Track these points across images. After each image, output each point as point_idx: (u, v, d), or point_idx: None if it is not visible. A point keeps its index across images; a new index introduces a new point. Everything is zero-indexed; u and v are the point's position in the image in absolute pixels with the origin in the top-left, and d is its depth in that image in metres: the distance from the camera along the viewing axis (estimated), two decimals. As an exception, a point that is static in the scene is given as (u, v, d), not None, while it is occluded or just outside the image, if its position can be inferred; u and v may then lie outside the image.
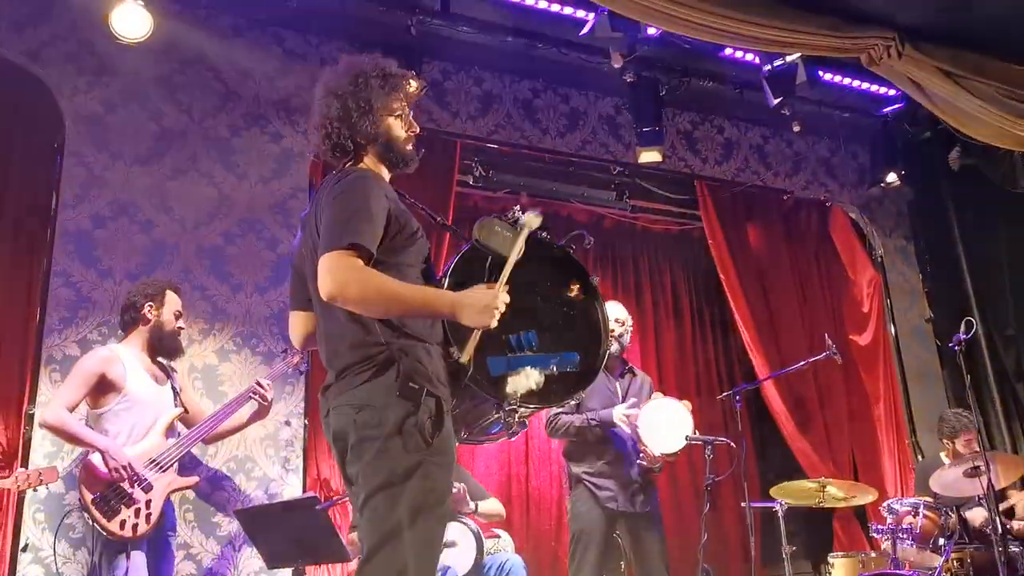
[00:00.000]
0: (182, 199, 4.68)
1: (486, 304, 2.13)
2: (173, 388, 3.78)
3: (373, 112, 2.36)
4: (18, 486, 3.52)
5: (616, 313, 4.27)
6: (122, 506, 3.41)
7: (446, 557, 4.08)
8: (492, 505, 4.55)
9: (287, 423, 4.57)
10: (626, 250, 6.43)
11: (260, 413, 3.91)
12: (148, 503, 3.44)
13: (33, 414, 4.12)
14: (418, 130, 2.48)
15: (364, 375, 2.15)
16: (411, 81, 2.47)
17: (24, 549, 3.95)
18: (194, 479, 3.73)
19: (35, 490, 3.76)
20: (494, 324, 2.13)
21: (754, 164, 6.42)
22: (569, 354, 2.37)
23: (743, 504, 4.53)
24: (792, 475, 5.13)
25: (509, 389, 2.24)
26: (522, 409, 2.31)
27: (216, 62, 4.89)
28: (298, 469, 4.55)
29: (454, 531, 4.17)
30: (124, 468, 3.42)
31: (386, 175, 2.42)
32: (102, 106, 4.63)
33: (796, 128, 5.83)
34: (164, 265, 4.52)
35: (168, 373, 3.82)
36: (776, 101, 5.26)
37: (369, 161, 2.40)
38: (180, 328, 3.82)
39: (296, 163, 5.00)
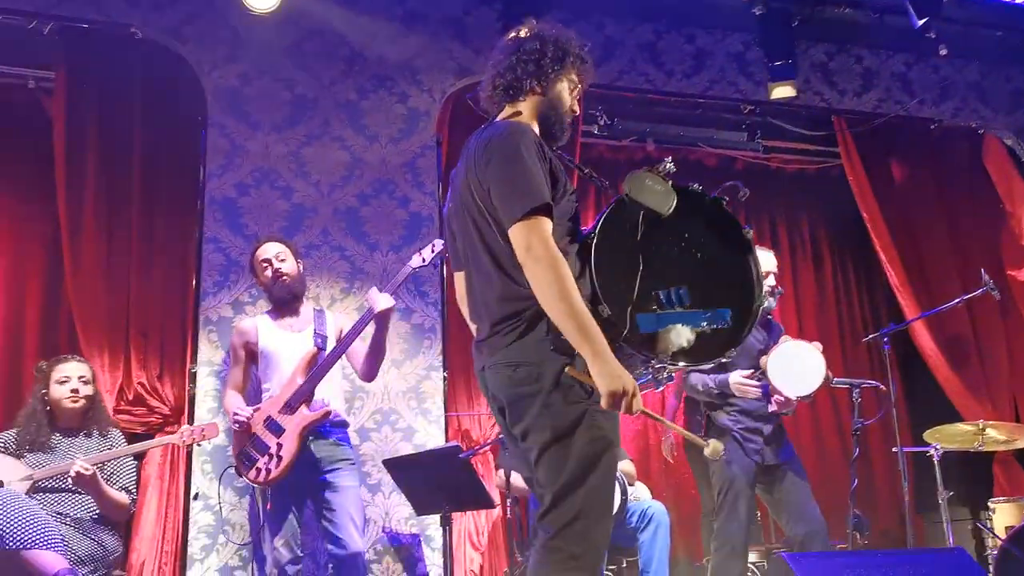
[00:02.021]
0: (317, 164, 4.85)
1: (621, 389, 2.00)
2: (316, 332, 3.78)
3: (563, 64, 2.38)
4: (183, 441, 3.78)
5: (768, 264, 4.11)
6: (257, 455, 3.57)
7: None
8: (626, 467, 4.55)
9: (427, 376, 4.71)
10: (759, 193, 6.18)
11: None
12: (279, 447, 3.54)
13: (196, 372, 4.42)
14: (577, 113, 2.48)
15: (515, 332, 2.16)
16: (592, 73, 2.49)
17: (195, 497, 4.26)
18: (323, 410, 3.60)
19: (199, 444, 4.04)
20: (604, 405, 2.01)
21: (897, 93, 6.04)
22: (721, 311, 2.27)
23: (894, 449, 4.35)
24: (944, 419, 4.88)
25: (660, 347, 2.19)
26: (671, 366, 2.26)
27: (341, 27, 4.99)
28: (439, 420, 4.69)
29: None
30: (235, 414, 3.61)
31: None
32: (239, 79, 4.83)
33: (943, 51, 5.43)
34: (304, 228, 4.72)
35: (315, 318, 3.84)
36: (920, 23, 4.91)
37: (527, 114, 2.39)
38: (277, 273, 3.79)
39: (423, 122, 5.07)
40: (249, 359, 3.82)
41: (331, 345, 3.74)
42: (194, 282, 4.57)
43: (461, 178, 2.33)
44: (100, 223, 4.46)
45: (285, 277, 3.81)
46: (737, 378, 3.81)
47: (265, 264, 3.84)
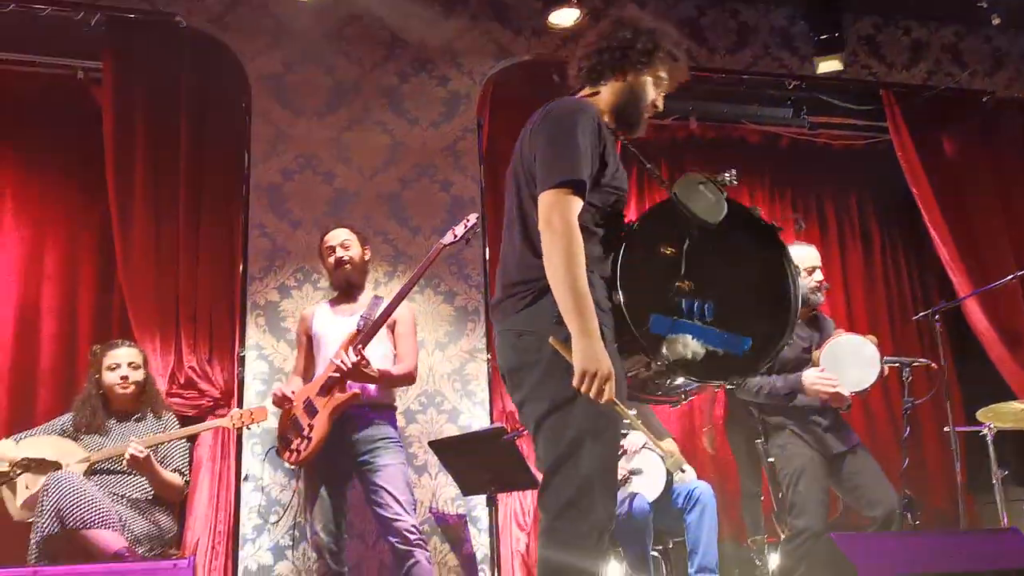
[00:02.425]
0: (359, 149, 4.88)
1: (595, 371, 1.98)
2: (362, 315, 3.77)
3: (651, 58, 2.36)
4: (233, 424, 3.86)
5: (812, 259, 4.02)
6: (293, 438, 3.65)
7: (634, 484, 4.13)
8: (669, 447, 4.52)
9: (472, 359, 4.73)
10: (805, 170, 6.12)
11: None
12: (310, 427, 3.60)
13: (244, 356, 4.49)
14: (661, 109, 2.44)
15: (525, 300, 2.18)
16: (684, 73, 2.45)
17: (246, 479, 4.34)
18: (351, 393, 3.61)
19: (248, 428, 4.11)
20: (575, 383, 2.00)
21: (947, 65, 5.89)
22: (742, 338, 2.19)
23: (946, 429, 4.27)
24: (997, 397, 4.77)
25: (664, 350, 2.14)
26: (672, 377, 2.20)
27: (381, 12, 4.99)
28: (484, 402, 4.71)
29: (641, 459, 4.20)
30: (275, 394, 3.73)
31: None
32: (281, 65, 4.87)
33: (995, 21, 5.28)
34: (347, 213, 4.74)
35: (370, 303, 3.84)
36: (971, -8, 4.78)
37: (605, 98, 2.39)
38: (339, 260, 3.87)
39: (463, 104, 5.07)
40: (309, 344, 3.90)
41: (378, 329, 3.73)
42: (241, 268, 4.63)
43: (518, 145, 2.35)
44: (149, 211, 4.54)
45: (347, 265, 3.87)
46: (812, 377, 3.70)
47: (329, 251, 3.92)
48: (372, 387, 3.77)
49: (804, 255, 3.95)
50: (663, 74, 2.39)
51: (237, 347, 4.52)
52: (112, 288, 4.67)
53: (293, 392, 3.74)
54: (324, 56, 4.93)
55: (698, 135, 5.82)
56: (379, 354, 3.76)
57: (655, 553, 4.23)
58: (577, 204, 2.12)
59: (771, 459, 4.02)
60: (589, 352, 2.00)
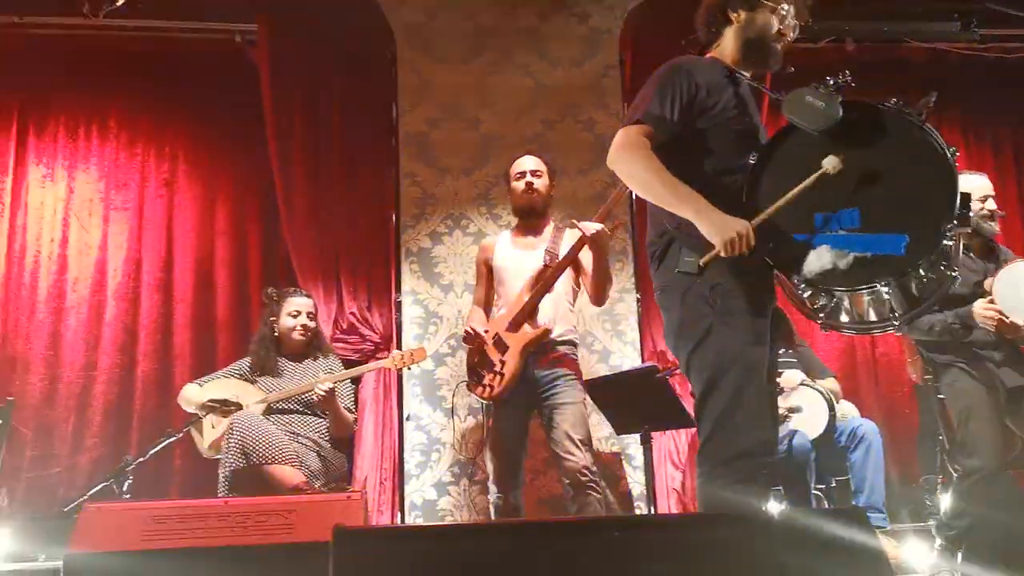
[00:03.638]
0: (502, 93, 4.90)
1: (730, 228, 2.11)
2: (547, 249, 3.69)
3: None
4: (395, 365, 4.03)
5: (984, 188, 3.74)
6: (484, 373, 3.67)
7: (794, 422, 4.03)
8: (831, 385, 4.36)
9: (620, 299, 4.72)
10: (974, 88, 5.66)
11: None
12: (502, 363, 3.59)
13: (400, 302, 4.66)
14: (792, 36, 2.43)
15: (656, 258, 2.35)
16: None
17: (407, 418, 4.53)
18: (542, 328, 3.57)
19: (409, 368, 4.27)
20: (721, 251, 2.10)
21: None
22: (895, 237, 2.07)
23: None
24: None
25: (805, 269, 2.10)
26: (819, 293, 2.13)
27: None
28: (634, 342, 4.70)
29: (802, 396, 4.10)
30: (467, 331, 3.72)
31: (745, 69, 2.44)
32: (424, 14, 4.93)
33: None
34: (492, 159, 4.80)
35: (552, 235, 3.76)
36: None
37: (728, 47, 2.44)
38: (529, 185, 3.77)
39: (604, 40, 4.99)
40: (490, 275, 3.86)
41: (609, 210, 3.64)
42: (394, 216, 4.78)
43: None
44: (307, 166, 4.74)
45: (535, 192, 3.80)
46: (980, 307, 3.51)
47: (519, 175, 3.83)
48: (555, 322, 3.67)
49: (974, 184, 3.68)
50: (773, 2, 2.39)
51: (394, 293, 4.69)
52: (277, 241, 4.92)
53: (484, 328, 3.73)
54: (464, 2, 4.95)
55: (855, 57, 5.47)
56: (559, 290, 3.67)
57: (817, 492, 4.14)
58: (637, 133, 2.25)
59: (941, 396, 3.83)
60: (716, 222, 2.12)
